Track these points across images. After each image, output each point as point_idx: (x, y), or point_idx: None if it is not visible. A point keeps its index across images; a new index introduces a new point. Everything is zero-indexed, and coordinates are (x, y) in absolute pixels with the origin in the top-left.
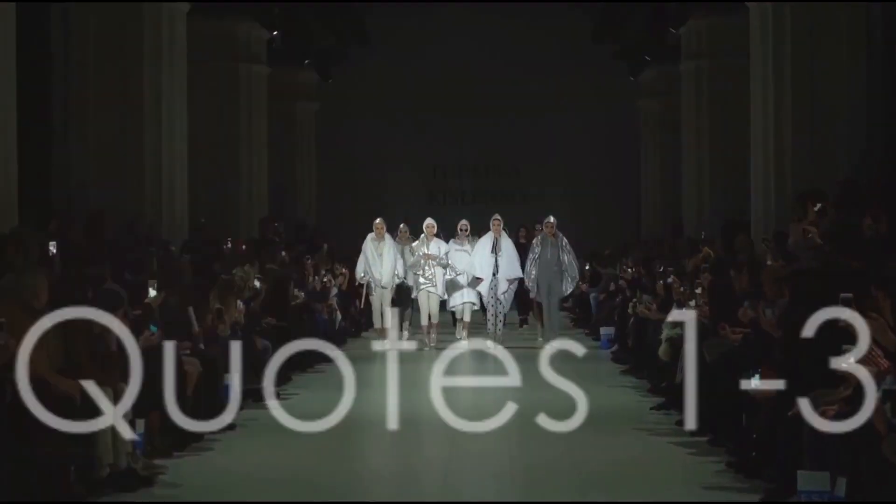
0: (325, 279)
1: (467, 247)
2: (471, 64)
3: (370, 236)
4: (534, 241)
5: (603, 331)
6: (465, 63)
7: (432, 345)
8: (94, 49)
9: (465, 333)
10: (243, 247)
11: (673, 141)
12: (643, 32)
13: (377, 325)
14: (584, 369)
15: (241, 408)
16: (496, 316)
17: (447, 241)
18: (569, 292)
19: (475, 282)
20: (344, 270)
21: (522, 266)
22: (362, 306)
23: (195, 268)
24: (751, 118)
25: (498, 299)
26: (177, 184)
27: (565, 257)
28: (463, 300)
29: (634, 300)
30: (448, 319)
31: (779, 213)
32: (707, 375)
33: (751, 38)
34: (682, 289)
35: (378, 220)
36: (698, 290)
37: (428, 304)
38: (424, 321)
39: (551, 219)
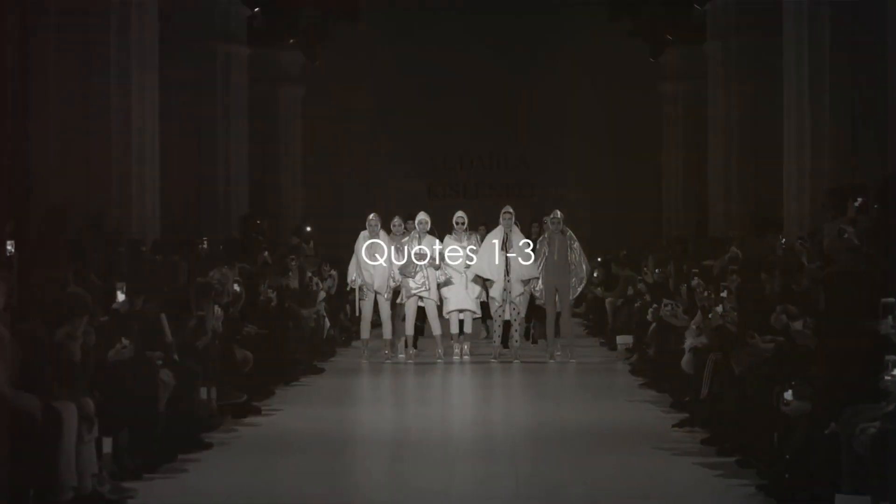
0: (312, 282)
1: (464, 242)
2: (473, 43)
3: (363, 234)
4: (539, 241)
5: (620, 340)
6: (466, 42)
7: (410, 361)
8: (54, 25)
9: (460, 348)
10: (220, 246)
11: (698, 129)
12: (664, 8)
13: (364, 335)
14: (598, 382)
15: (220, 425)
16: (511, 325)
17: (443, 239)
18: (575, 296)
19: (473, 287)
20: (333, 272)
21: None
22: (358, 313)
23: (169, 269)
24: (784, 103)
25: (512, 304)
26: (147, 176)
27: (574, 256)
28: (458, 306)
29: (655, 305)
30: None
31: (815, 210)
32: (735, 389)
33: (784, 15)
34: (706, 293)
35: (372, 216)
36: (724, 294)
37: (415, 314)
38: (409, 330)
39: (558, 214)
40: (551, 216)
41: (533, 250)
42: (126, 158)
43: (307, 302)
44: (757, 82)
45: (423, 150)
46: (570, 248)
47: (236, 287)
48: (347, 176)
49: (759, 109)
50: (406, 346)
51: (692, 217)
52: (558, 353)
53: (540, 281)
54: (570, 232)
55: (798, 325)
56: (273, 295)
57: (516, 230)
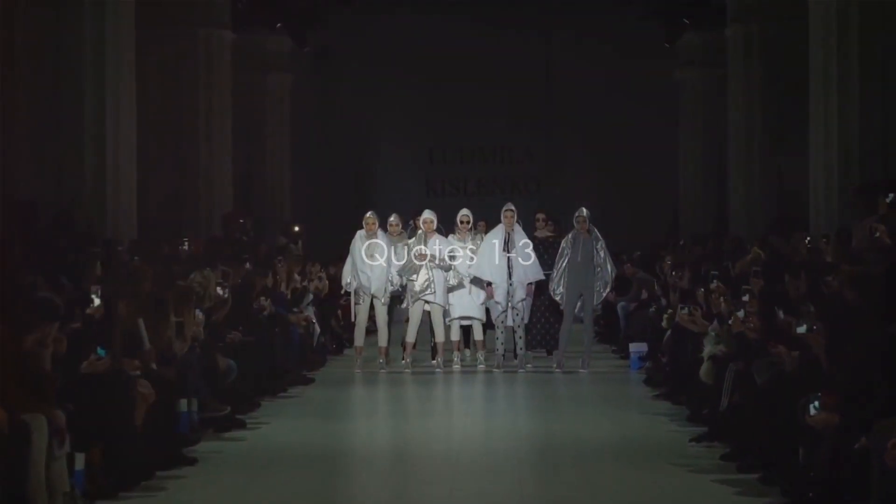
0: (300, 284)
1: (469, 243)
2: (475, 26)
3: (359, 234)
4: (563, 242)
5: (633, 347)
6: (468, 25)
7: (407, 370)
8: (24, 9)
9: (460, 356)
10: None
11: (717, 119)
12: None
13: (358, 343)
14: (610, 393)
15: (201, 439)
16: (514, 332)
17: (447, 238)
18: (600, 300)
19: (478, 292)
20: (322, 273)
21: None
22: (353, 319)
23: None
24: (811, 92)
25: (514, 309)
26: (123, 171)
27: (599, 258)
28: (462, 313)
29: (670, 310)
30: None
31: (843, 207)
32: (757, 401)
33: None
34: (721, 298)
35: (369, 214)
36: (746, 298)
37: (420, 320)
38: (411, 337)
39: (584, 212)
40: (576, 213)
41: (546, 249)
42: (100, 151)
43: (293, 304)
44: (781, 69)
45: (422, 142)
46: (596, 250)
47: (219, 290)
48: (339, 170)
49: (783, 99)
50: (405, 352)
51: (711, 214)
52: (582, 368)
53: (561, 284)
54: (596, 231)
55: (802, 328)
56: (267, 303)
57: (518, 229)
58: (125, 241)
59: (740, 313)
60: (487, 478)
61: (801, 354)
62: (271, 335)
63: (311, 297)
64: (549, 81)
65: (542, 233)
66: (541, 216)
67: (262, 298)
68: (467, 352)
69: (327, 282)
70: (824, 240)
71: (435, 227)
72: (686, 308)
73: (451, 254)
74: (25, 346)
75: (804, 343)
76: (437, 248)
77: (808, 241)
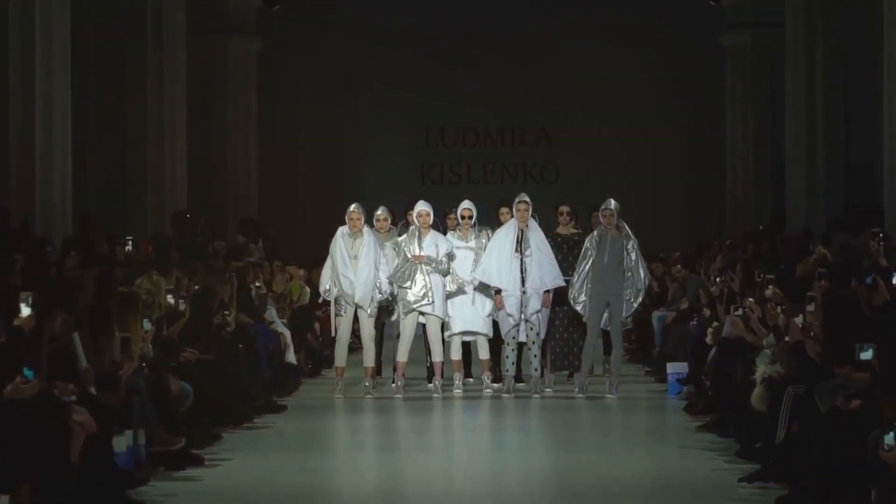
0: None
1: (472, 242)
2: None
3: (341, 231)
4: (587, 241)
5: (671, 368)
6: None
7: (398, 395)
8: None
9: (461, 379)
10: (150, 248)
11: (772, 92)
12: None
13: (339, 362)
14: (644, 424)
15: (150, 479)
16: (528, 349)
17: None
18: (631, 312)
19: (484, 301)
20: (291, 275)
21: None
22: (333, 333)
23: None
24: (884, 57)
25: (528, 322)
26: (56, 159)
27: (630, 260)
28: (465, 328)
29: (716, 323)
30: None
31: None
32: (820, 432)
33: None
34: (778, 309)
35: (353, 207)
36: (811, 308)
37: (413, 335)
38: (402, 356)
39: (612, 204)
40: (602, 206)
41: (570, 249)
42: (27, 134)
43: (254, 316)
44: (849, 32)
45: (415, 120)
46: (627, 251)
47: (170, 299)
48: (317, 154)
49: (850, 67)
50: (395, 374)
51: (765, 208)
52: (611, 390)
53: (584, 291)
54: (627, 229)
55: (867, 353)
56: (230, 318)
57: (534, 225)
58: (57, 240)
59: (798, 319)
60: None
61: (873, 376)
62: (234, 353)
63: (272, 311)
64: (570, 48)
65: (565, 230)
66: (564, 209)
67: (225, 313)
68: (471, 379)
69: (308, 289)
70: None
71: (431, 221)
72: (741, 310)
73: (449, 253)
74: None
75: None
76: (434, 247)
77: (881, 237)
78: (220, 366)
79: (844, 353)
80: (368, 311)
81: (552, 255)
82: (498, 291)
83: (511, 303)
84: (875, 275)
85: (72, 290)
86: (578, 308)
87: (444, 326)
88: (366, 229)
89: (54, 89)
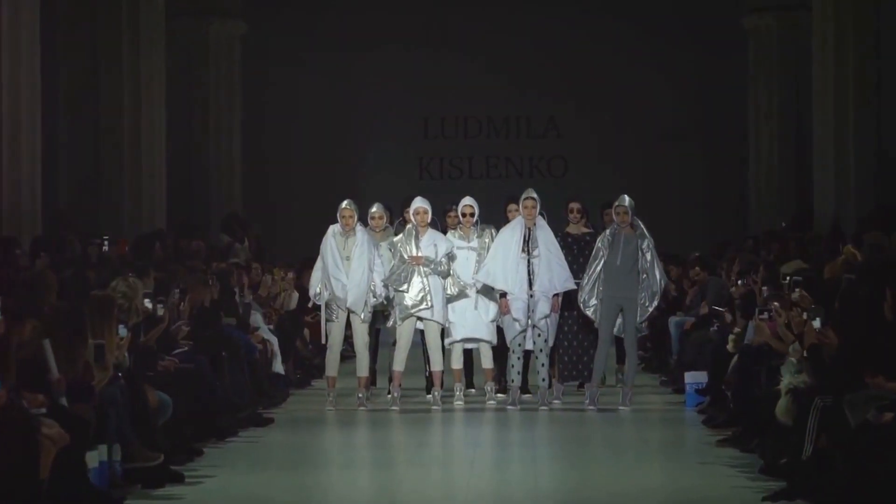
0: (239, 295)
1: (473, 242)
2: None
3: (332, 230)
4: (599, 241)
5: (689, 378)
6: None
7: (394, 407)
8: None
9: (460, 389)
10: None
11: (798, 79)
12: None
13: (330, 372)
14: (660, 438)
15: (126, 497)
16: (536, 358)
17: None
18: (646, 317)
19: (487, 306)
20: (276, 277)
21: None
22: (324, 341)
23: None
24: None
25: (536, 328)
26: (24, 151)
27: (645, 262)
28: (467, 335)
29: (737, 330)
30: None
31: None
32: (850, 447)
33: None
34: (804, 315)
35: (345, 204)
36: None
37: (411, 342)
38: (399, 365)
39: (626, 200)
40: (616, 203)
41: (581, 249)
42: None
43: (242, 322)
44: (883, 15)
45: (413, 110)
46: (641, 251)
47: (147, 303)
48: (307, 147)
49: (884, 53)
50: (391, 385)
51: (790, 205)
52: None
53: (594, 295)
54: (642, 227)
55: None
56: (185, 326)
57: (542, 223)
58: (26, 239)
59: (816, 322)
60: None
61: None
62: (217, 361)
63: (258, 314)
64: (580, 32)
65: (575, 228)
66: (574, 207)
67: (182, 323)
68: (473, 390)
69: (296, 293)
70: None
71: (429, 220)
72: (766, 313)
73: (449, 253)
74: None
75: None
76: (432, 247)
77: None
78: (202, 376)
79: (877, 360)
80: (362, 317)
81: (562, 256)
82: (503, 295)
83: (518, 307)
84: None
85: (35, 290)
86: (589, 313)
87: (443, 333)
88: (359, 228)
89: (21, 77)
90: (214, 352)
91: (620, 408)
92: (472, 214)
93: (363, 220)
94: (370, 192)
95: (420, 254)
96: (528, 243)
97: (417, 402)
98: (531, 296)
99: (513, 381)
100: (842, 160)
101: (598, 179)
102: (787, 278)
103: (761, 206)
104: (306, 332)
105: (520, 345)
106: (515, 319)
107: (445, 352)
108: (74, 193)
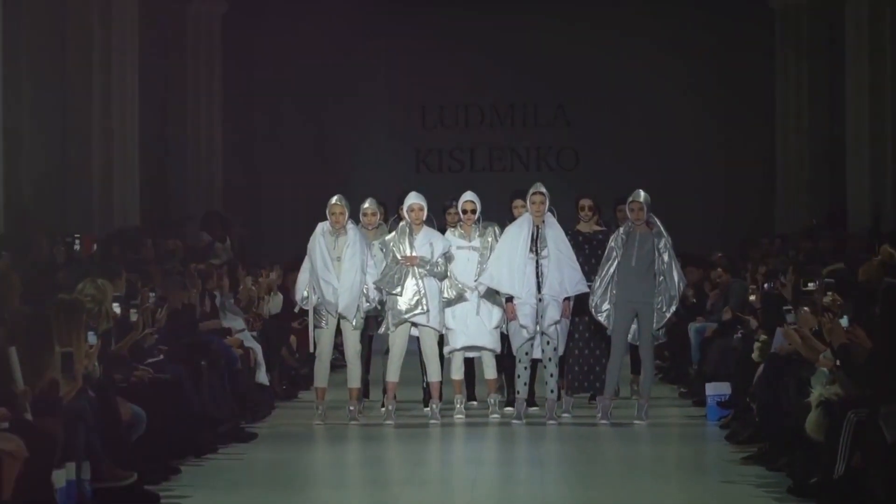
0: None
1: (475, 241)
2: None
3: (321, 228)
4: (612, 240)
5: (711, 389)
6: None
7: (388, 421)
8: None
9: (461, 401)
10: (94, 246)
11: (830, 64)
12: None
13: (318, 383)
14: (678, 454)
15: None
16: (544, 367)
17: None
18: (663, 323)
19: (491, 310)
20: (258, 279)
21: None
22: (312, 349)
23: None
24: None
25: (545, 335)
26: None
27: (664, 262)
28: (468, 342)
29: (763, 337)
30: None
31: None
32: (887, 464)
33: None
34: (838, 319)
35: (335, 199)
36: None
37: (405, 350)
38: (393, 376)
39: (641, 196)
40: (630, 199)
41: (594, 249)
42: None
43: (221, 329)
44: None
45: (409, 98)
46: (658, 251)
47: (116, 308)
48: (294, 137)
49: None
50: (385, 397)
51: (822, 202)
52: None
53: (607, 299)
54: (659, 225)
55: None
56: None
57: (552, 220)
58: None
59: (843, 320)
60: None
61: None
62: (196, 372)
63: (240, 321)
64: (591, 12)
65: (586, 227)
66: (586, 203)
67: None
68: (475, 402)
69: (281, 296)
70: None
71: (425, 217)
72: (793, 314)
73: (445, 253)
74: None
75: None
76: (427, 246)
77: None
78: (179, 387)
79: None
80: (353, 323)
81: (573, 256)
82: (509, 299)
83: (525, 312)
84: None
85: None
86: (601, 318)
87: (442, 340)
88: (350, 226)
89: None
90: (192, 361)
91: (635, 422)
92: (474, 211)
93: (355, 217)
94: (363, 186)
95: (414, 254)
96: (536, 243)
97: (414, 415)
98: (540, 300)
99: (518, 392)
100: (877, 155)
101: (611, 173)
102: (816, 281)
103: (789, 202)
104: (293, 339)
105: (527, 353)
106: (522, 326)
107: (445, 361)
108: (40, 190)
